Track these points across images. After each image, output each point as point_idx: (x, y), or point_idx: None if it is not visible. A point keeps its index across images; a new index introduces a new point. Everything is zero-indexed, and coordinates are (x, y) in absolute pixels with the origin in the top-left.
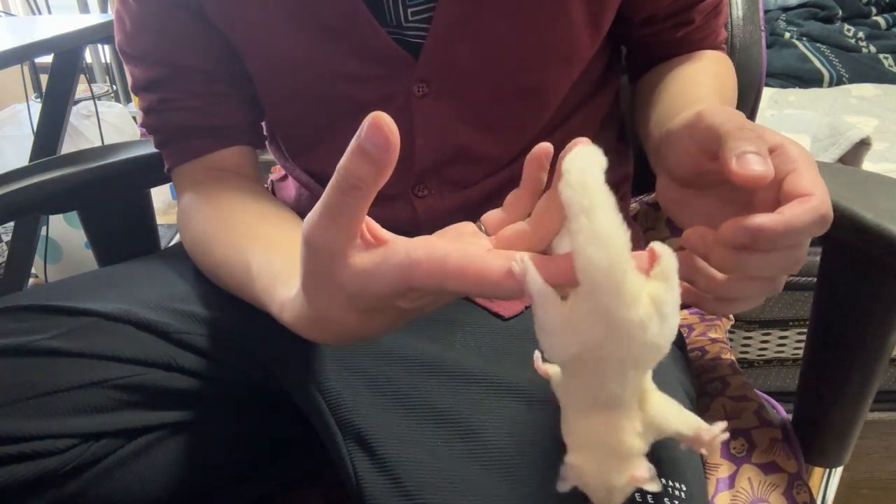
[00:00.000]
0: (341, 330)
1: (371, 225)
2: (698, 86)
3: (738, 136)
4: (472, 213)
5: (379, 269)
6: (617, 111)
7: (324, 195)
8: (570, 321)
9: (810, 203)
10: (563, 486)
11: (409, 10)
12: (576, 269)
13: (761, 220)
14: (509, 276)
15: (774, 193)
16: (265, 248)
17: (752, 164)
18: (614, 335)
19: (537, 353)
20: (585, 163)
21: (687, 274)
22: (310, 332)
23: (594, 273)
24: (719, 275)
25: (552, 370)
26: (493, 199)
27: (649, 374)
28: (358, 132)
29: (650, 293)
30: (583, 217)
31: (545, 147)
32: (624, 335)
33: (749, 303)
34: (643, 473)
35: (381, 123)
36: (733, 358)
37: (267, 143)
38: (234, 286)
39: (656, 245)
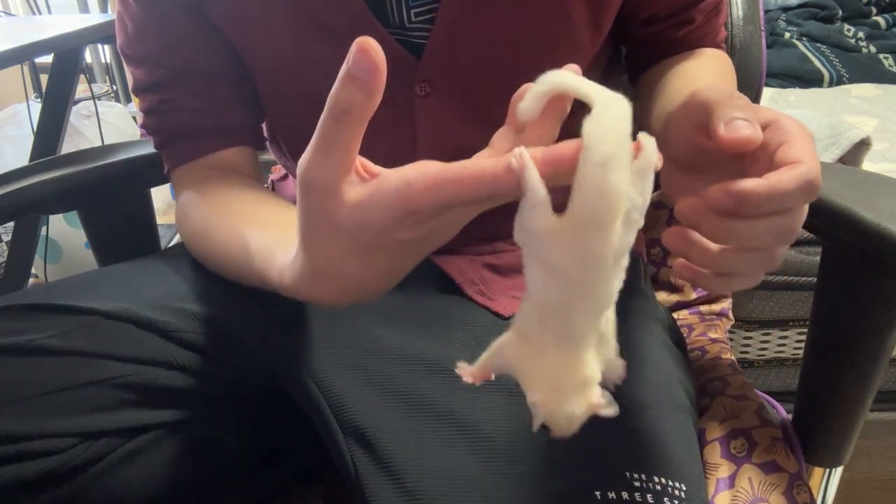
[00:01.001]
0: (344, 281)
1: (364, 162)
2: (698, 81)
3: (726, 105)
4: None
5: (374, 198)
6: None
7: (316, 130)
8: (551, 239)
9: (797, 169)
10: (535, 426)
11: (413, 11)
12: (571, 202)
13: (746, 184)
14: (508, 171)
15: (770, 167)
16: (262, 226)
17: (739, 129)
18: (586, 265)
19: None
20: (617, 112)
21: (681, 248)
22: (313, 291)
23: (591, 221)
24: (713, 246)
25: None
26: None
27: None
28: (346, 60)
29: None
30: (598, 169)
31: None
32: (597, 267)
33: (747, 278)
34: (600, 400)
35: (367, 48)
36: (733, 358)
37: (267, 143)
38: (235, 270)
39: (643, 137)
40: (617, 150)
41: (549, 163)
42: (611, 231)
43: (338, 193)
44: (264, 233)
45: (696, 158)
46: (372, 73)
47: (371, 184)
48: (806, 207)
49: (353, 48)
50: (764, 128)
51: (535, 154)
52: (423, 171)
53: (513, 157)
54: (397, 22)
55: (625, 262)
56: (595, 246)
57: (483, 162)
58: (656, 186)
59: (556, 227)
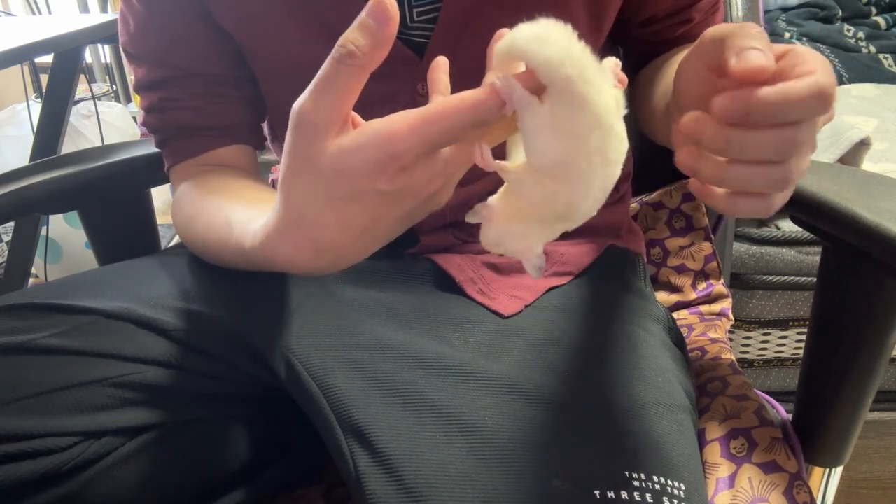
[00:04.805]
0: (317, 235)
1: (356, 118)
2: None
3: (740, 35)
4: None
5: (356, 141)
6: None
7: (319, 71)
8: (555, 123)
9: (809, 78)
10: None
11: (415, 11)
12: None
13: (756, 90)
14: (493, 94)
15: None
16: (246, 205)
17: (751, 58)
18: (596, 124)
19: (485, 148)
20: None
21: (691, 163)
22: (285, 247)
23: (568, 76)
24: (722, 159)
25: (510, 167)
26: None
27: None
28: (362, 12)
29: (615, 96)
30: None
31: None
32: (604, 124)
33: (758, 201)
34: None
35: (384, 1)
36: (733, 358)
37: (269, 142)
38: (218, 248)
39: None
40: (556, 35)
41: (525, 76)
42: (591, 73)
43: (326, 136)
44: (246, 208)
45: (708, 102)
46: (384, 22)
47: (356, 131)
48: (817, 124)
49: (371, 2)
50: (779, 58)
51: (517, 75)
52: (405, 114)
53: (496, 80)
54: (399, 22)
55: (621, 107)
56: (595, 99)
57: (462, 93)
58: (655, 187)
59: (547, 107)
